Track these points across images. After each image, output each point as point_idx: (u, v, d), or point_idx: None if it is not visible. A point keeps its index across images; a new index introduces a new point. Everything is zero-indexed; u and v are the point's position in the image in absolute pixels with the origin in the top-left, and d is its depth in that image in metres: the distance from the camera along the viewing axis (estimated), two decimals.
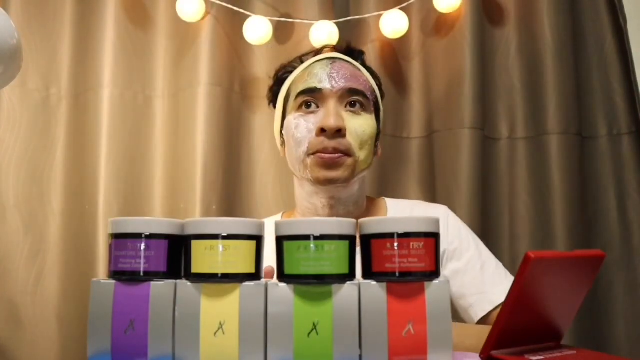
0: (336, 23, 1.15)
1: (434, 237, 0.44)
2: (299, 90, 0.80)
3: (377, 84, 0.87)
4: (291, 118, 0.81)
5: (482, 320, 0.79)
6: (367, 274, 0.45)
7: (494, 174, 1.20)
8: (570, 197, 1.15)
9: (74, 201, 1.12)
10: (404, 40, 1.20)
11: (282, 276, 0.44)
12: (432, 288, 0.43)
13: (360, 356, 0.42)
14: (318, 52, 0.89)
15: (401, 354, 0.42)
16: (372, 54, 1.19)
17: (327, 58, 0.83)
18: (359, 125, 0.78)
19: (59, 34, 1.15)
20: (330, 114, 0.77)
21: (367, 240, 0.44)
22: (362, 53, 0.90)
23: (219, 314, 0.42)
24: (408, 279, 0.43)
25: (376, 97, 0.85)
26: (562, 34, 1.19)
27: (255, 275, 0.44)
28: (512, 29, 1.23)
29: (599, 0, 1.22)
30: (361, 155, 0.79)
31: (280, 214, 0.97)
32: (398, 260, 0.43)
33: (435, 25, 1.23)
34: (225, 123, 1.15)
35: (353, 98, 0.79)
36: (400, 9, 1.17)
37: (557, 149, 1.16)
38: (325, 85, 0.79)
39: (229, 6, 1.15)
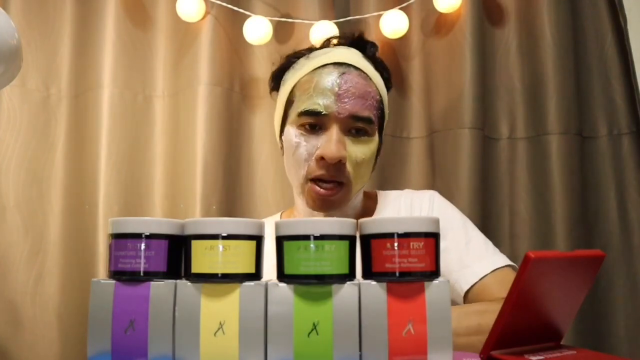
0: (336, 23, 1.15)
1: (434, 237, 0.44)
2: (302, 108, 0.76)
3: (384, 79, 0.83)
4: (292, 132, 0.78)
5: (468, 294, 0.76)
6: (367, 274, 0.45)
7: (494, 174, 1.20)
8: (570, 197, 1.15)
9: (74, 201, 1.12)
10: (404, 40, 1.20)
11: (282, 276, 0.44)
12: (432, 288, 0.43)
13: (360, 356, 0.42)
14: (326, 44, 0.84)
15: (401, 354, 0.42)
16: None
17: (337, 64, 0.78)
18: (360, 152, 0.76)
19: (59, 33, 1.15)
20: (332, 141, 0.74)
21: (367, 240, 0.44)
22: (374, 47, 0.84)
23: (219, 314, 0.42)
24: (408, 279, 0.43)
25: (381, 107, 0.81)
26: (562, 34, 1.19)
27: (255, 275, 0.44)
28: (512, 29, 1.23)
29: (599, 0, 1.22)
30: (357, 180, 0.78)
31: (279, 214, 0.97)
32: (398, 260, 0.43)
33: (435, 25, 1.23)
34: (225, 123, 1.15)
35: (358, 125, 0.76)
36: (400, 9, 1.17)
37: (557, 149, 1.16)
38: (331, 108, 0.74)
39: (229, 6, 1.15)
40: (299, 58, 0.83)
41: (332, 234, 0.43)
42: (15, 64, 0.65)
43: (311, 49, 0.84)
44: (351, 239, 0.44)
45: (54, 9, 1.15)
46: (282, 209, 1.16)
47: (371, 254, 0.44)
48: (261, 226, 0.45)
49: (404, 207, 0.85)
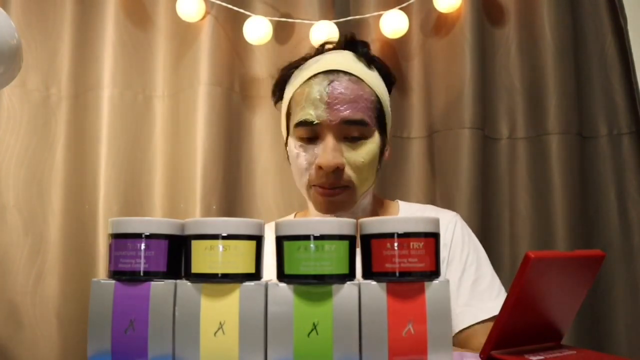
0: (336, 23, 1.15)
1: (434, 237, 0.44)
2: (297, 120, 0.78)
3: (383, 75, 0.83)
4: (292, 143, 0.80)
5: (463, 333, 0.78)
6: (367, 274, 0.45)
7: (494, 174, 1.20)
8: (570, 197, 1.15)
9: (74, 201, 1.12)
10: (404, 40, 1.20)
11: (282, 276, 0.44)
12: (432, 288, 0.43)
13: (360, 356, 0.42)
14: (320, 50, 0.85)
15: (401, 354, 0.42)
16: None
17: (327, 72, 0.78)
18: (359, 157, 0.77)
19: (59, 34, 1.15)
20: (327, 150, 0.75)
21: (367, 240, 0.44)
22: (365, 45, 0.84)
23: (219, 314, 0.42)
24: (408, 279, 0.43)
25: (379, 107, 0.80)
26: (562, 34, 1.19)
27: (255, 275, 0.44)
28: (512, 29, 1.23)
29: (599, 0, 1.22)
30: (361, 182, 0.78)
31: (292, 215, 0.97)
32: (398, 260, 0.43)
33: (435, 25, 1.23)
34: (225, 123, 1.15)
35: (352, 130, 0.76)
36: (400, 8, 1.17)
37: (557, 149, 1.16)
38: (322, 117, 0.75)
39: (229, 6, 1.15)
40: (295, 69, 0.84)
41: (332, 234, 0.43)
42: (15, 64, 0.65)
43: (306, 58, 0.85)
44: (351, 239, 0.44)
45: (54, 9, 1.15)
46: (282, 208, 1.16)
47: (371, 254, 0.44)
48: (261, 226, 0.45)
49: None
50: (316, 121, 0.76)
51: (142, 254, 0.43)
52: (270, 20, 1.15)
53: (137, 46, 1.17)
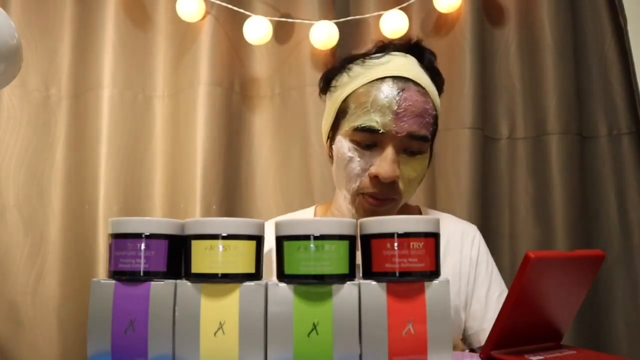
0: (336, 23, 1.15)
1: (434, 237, 0.44)
2: (358, 123, 0.73)
3: (438, 86, 0.80)
4: (345, 144, 0.75)
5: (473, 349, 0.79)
6: (367, 274, 0.45)
7: (494, 174, 1.20)
8: (570, 197, 1.15)
9: (74, 201, 1.12)
10: (403, 40, 1.20)
11: (282, 276, 0.44)
12: (432, 288, 0.43)
13: (360, 356, 0.42)
14: (382, 47, 0.80)
15: (401, 354, 0.42)
16: None
17: (396, 78, 0.74)
18: (413, 171, 0.75)
19: (59, 34, 1.15)
20: (387, 160, 0.72)
21: (367, 240, 0.44)
22: (432, 55, 0.81)
23: (219, 314, 0.42)
24: (408, 279, 0.43)
25: (436, 121, 0.78)
26: (562, 34, 1.19)
27: (255, 275, 0.44)
28: (512, 29, 1.23)
29: (599, 0, 1.22)
30: (407, 194, 0.76)
31: (312, 208, 0.92)
32: (398, 260, 0.43)
33: (435, 25, 1.23)
34: (225, 123, 1.15)
35: (413, 144, 0.73)
36: (400, 9, 1.17)
37: (557, 149, 1.16)
38: (389, 127, 0.71)
39: (229, 6, 1.15)
40: (354, 63, 0.79)
41: (332, 234, 0.43)
42: (15, 64, 0.65)
43: (367, 54, 0.80)
44: (351, 239, 0.44)
45: (54, 9, 1.15)
46: (282, 208, 1.16)
47: (371, 254, 0.44)
48: (261, 226, 0.45)
49: (458, 234, 0.84)
50: (382, 130, 0.72)
51: (142, 254, 0.43)
52: (270, 20, 1.15)
53: (137, 46, 1.17)
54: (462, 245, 0.83)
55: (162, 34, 1.18)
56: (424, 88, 0.75)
